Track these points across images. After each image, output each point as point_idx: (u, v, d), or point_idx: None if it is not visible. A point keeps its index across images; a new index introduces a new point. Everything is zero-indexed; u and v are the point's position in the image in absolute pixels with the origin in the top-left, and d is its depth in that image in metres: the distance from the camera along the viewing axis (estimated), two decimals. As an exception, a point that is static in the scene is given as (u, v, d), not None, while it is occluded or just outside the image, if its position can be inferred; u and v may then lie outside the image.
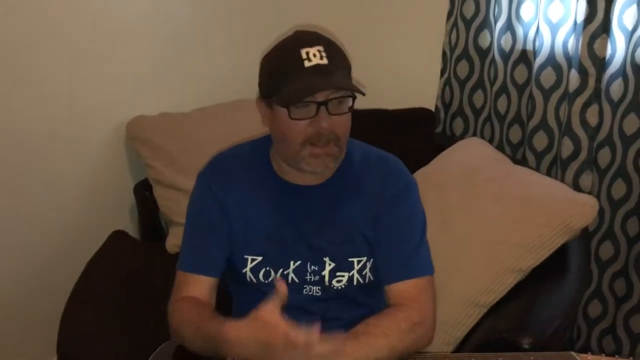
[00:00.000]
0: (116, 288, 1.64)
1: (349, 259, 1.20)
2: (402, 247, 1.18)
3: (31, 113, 1.73)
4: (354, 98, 1.11)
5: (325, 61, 1.06)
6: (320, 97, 1.07)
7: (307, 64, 1.06)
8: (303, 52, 1.07)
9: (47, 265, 1.86)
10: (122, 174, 2.00)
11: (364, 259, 1.20)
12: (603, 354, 1.11)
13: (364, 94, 1.09)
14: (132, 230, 2.04)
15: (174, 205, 1.88)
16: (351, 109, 1.12)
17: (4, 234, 1.75)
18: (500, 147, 2.00)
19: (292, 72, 1.08)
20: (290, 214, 1.21)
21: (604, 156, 1.81)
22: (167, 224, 1.92)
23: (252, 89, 2.18)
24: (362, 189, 1.21)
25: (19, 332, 1.84)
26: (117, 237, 1.84)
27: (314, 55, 1.06)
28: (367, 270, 1.20)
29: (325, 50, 1.07)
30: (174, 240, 1.84)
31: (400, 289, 1.16)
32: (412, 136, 2.06)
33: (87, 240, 1.81)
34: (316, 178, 1.19)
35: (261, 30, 2.27)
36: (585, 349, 1.97)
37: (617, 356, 1.08)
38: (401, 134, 2.07)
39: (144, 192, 1.95)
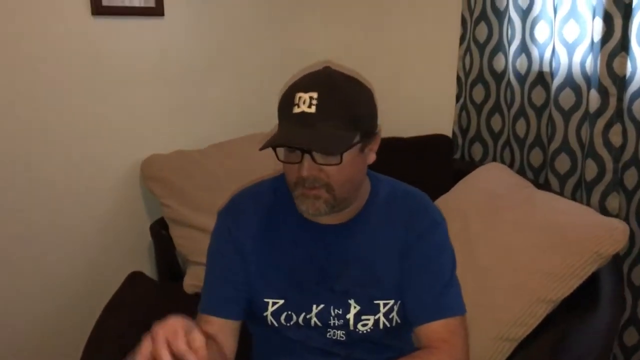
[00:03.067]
0: (135, 331, 1.59)
1: (375, 302, 1.15)
2: (431, 286, 1.13)
3: (45, 155, 1.73)
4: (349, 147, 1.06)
5: (312, 110, 1.02)
6: (304, 145, 1.04)
7: (295, 109, 1.04)
8: (297, 96, 1.04)
9: (65, 308, 1.84)
10: (138, 213, 1.99)
11: (391, 302, 1.15)
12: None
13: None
14: (149, 270, 2.01)
15: (191, 244, 1.85)
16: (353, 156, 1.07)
17: (20, 278, 1.74)
18: (521, 171, 1.95)
19: (282, 116, 1.07)
20: (313, 255, 1.16)
21: (630, 177, 1.75)
22: (184, 263, 1.89)
23: (265, 123, 2.19)
24: (388, 227, 1.17)
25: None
26: (134, 279, 1.82)
27: (304, 102, 1.03)
28: (394, 313, 1.15)
29: (318, 98, 1.03)
30: (191, 281, 1.80)
31: (430, 330, 1.11)
32: (430, 163, 2.02)
33: (105, 281, 1.79)
34: (339, 217, 1.16)
35: (274, 65, 2.28)
36: (622, 379, 1.88)
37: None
38: (419, 161, 2.03)
39: (160, 231, 1.93)
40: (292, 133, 1.03)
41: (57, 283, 1.82)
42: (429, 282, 1.14)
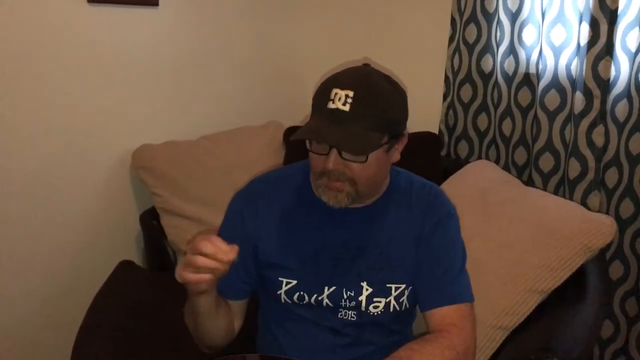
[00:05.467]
0: (127, 320, 1.60)
1: (387, 285, 1.19)
2: (445, 272, 1.18)
3: (35, 144, 1.71)
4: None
5: (346, 108, 1.05)
6: (334, 143, 1.07)
7: (330, 105, 1.07)
8: (333, 92, 1.07)
9: (55, 298, 1.82)
10: (128, 203, 1.98)
11: (403, 286, 1.19)
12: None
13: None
14: (139, 259, 2.00)
15: (183, 234, 1.85)
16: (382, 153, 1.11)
17: (10, 267, 1.71)
18: (505, 169, 2.00)
19: (317, 109, 1.10)
20: (330, 238, 1.20)
21: (611, 176, 1.83)
22: (175, 252, 1.89)
23: (257, 115, 2.21)
24: (405, 215, 1.21)
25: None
26: (125, 268, 1.80)
27: (339, 99, 1.06)
28: (404, 297, 1.20)
29: (354, 97, 1.05)
30: (183, 270, 1.81)
31: (442, 315, 1.16)
32: (419, 160, 2.03)
33: (94, 271, 1.78)
34: (359, 203, 1.19)
35: (267, 60, 2.29)
36: (597, 371, 1.96)
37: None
38: (407, 158, 2.05)
39: (150, 221, 1.92)
40: (324, 128, 1.06)
41: (47, 273, 1.80)
42: (443, 269, 1.18)
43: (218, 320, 1.18)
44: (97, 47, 1.80)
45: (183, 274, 1.02)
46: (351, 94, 1.05)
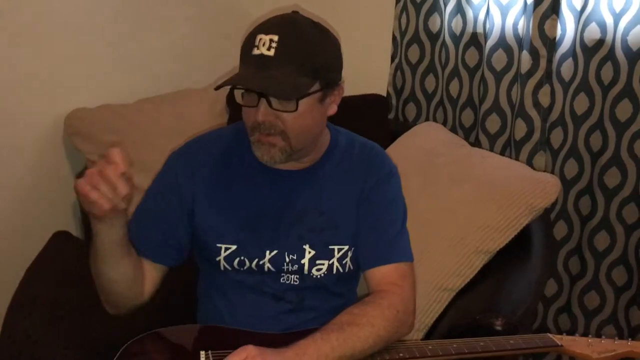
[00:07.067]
0: (62, 291, 1.53)
1: (330, 247, 1.16)
2: (385, 232, 1.17)
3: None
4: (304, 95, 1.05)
5: (270, 53, 1.02)
6: (256, 87, 1.03)
7: (254, 51, 1.03)
8: (257, 38, 1.04)
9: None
10: (63, 171, 1.87)
11: (346, 247, 1.17)
12: (576, 334, 1.12)
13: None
14: (75, 229, 1.92)
15: (121, 202, 1.77)
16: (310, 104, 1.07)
17: None
18: (453, 131, 1.98)
19: (243, 57, 1.06)
20: (270, 201, 1.16)
21: (556, 136, 1.84)
22: (113, 221, 1.81)
23: (196, 78, 2.12)
24: (346, 175, 1.19)
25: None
26: (60, 238, 1.72)
27: (263, 44, 1.02)
28: (347, 259, 1.18)
29: (278, 41, 1.02)
30: (122, 239, 1.74)
31: (382, 273, 1.15)
32: (366, 123, 2.01)
33: (27, 243, 1.69)
34: (298, 164, 1.16)
35: (206, 17, 2.19)
36: (542, 328, 2.00)
37: (590, 336, 1.09)
38: (354, 121, 2.00)
39: (86, 189, 1.83)
40: (248, 75, 1.02)
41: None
42: (383, 228, 1.17)
43: (120, 268, 1.09)
44: (24, 5, 1.67)
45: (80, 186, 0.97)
46: (275, 38, 1.02)
